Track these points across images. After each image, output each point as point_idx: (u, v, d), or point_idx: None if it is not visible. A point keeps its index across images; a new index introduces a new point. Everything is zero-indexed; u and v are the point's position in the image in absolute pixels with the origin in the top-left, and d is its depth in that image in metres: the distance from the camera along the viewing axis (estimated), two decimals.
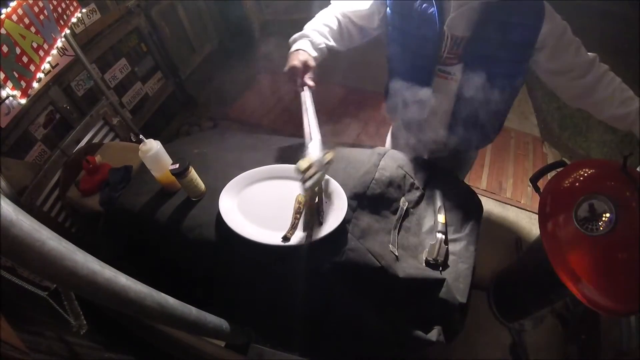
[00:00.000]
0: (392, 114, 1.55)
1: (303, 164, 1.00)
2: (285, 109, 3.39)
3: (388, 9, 1.27)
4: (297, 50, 1.24)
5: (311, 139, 1.09)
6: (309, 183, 0.97)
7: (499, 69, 1.18)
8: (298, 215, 1.04)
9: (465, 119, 1.32)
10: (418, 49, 1.25)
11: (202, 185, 1.15)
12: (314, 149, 1.05)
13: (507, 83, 1.23)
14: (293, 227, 1.01)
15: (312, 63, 1.22)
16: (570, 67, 1.18)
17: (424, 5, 1.17)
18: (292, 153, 1.29)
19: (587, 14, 3.53)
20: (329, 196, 1.09)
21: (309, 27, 1.31)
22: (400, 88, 1.34)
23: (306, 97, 1.19)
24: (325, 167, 1.03)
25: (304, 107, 1.18)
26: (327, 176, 1.12)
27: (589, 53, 1.19)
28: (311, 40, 1.26)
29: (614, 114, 1.19)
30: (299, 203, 1.06)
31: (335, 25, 1.32)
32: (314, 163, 1.01)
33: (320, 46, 1.28)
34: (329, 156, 1.06)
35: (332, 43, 1.31)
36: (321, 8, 1.35)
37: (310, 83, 1.21)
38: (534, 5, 1.12)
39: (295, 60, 1.21)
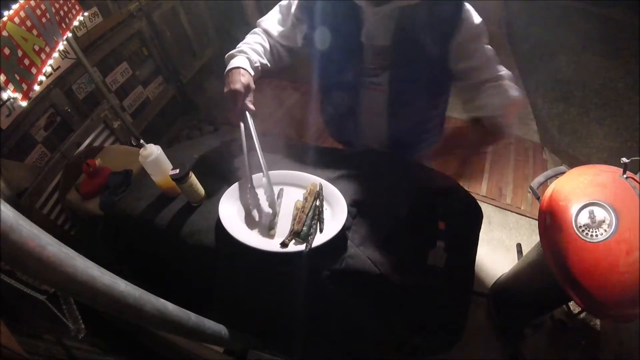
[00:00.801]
0: (330, 131, 1.55)
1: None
2: (286, 114, 3.39)
3: (306, 27, 1.24)
4: (237, 68, 1.16)
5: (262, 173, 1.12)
6: (304, 231, 1.00)
7: (424, 73, 1.16)
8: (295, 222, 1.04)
9: (400, 127, 1.31)
10: (341, 64, 1.22)
11: (202, 190, 1.14)
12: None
13: (436, 86, 1.22)
14: (291, 234, 1.01)
15: (252, 85, 1.17)
16: (469, 74, 1.17)
17: (341, 19, 1.14)
18: (292, 159, 1.29)
19: (588, 19, 3.56)
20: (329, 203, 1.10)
21: (244, 45, 1.26)
22: (332, 106, 1.34)
23: (249, 122, 1.14)
24: (312, 204, 1.06)
25: (243, 135, 1.13)
26: (326, 183, 1.12)
27: (502, 71, 1.16)
28: (249, 57, 1.21)
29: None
30: (297, 210, 1.06)
31: (267, 45, 1.30)
32: (301, 208, 1.04)
33: (256, 65, 1.22)
34: (313, 188, 1.10)
35: (265, 61, 1.27)
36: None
37: (252, 107, 1.15)
38: (452, 7, 1.09)
39: (238, 84, 1.12)
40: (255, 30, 1.33)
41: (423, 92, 1.21)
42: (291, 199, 1.12)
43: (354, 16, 1.12)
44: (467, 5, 1.09)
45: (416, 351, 1.08)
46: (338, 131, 1.51)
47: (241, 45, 1.26)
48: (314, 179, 1.14)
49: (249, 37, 1.30)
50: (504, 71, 1.16)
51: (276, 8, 1.31)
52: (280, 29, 1.29)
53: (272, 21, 1.31)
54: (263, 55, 1.27)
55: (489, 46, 1.16)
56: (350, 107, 1.30)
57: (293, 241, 1.00)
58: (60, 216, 2.08)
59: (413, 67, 1.15)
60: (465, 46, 1.12)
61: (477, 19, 1.11)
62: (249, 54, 1.22)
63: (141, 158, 1.09)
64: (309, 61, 1.32)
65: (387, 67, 1.17)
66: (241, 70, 1.16)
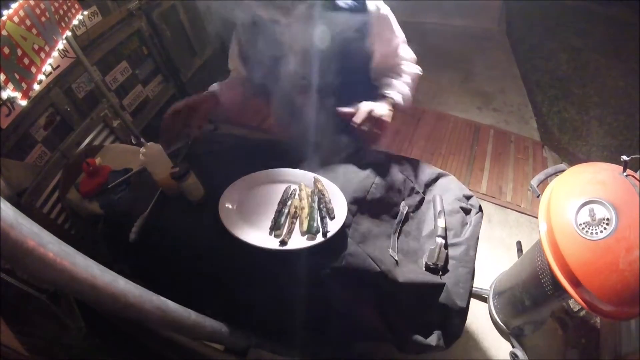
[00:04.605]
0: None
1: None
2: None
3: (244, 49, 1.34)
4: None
5: None
6: (314, 225, 1.00)
7: (341, 66, 1.20)
8: (294, 220, 1.04)
9: (338, 125, 1.33)
10: (280, 76, 1.28)
11: (202, 188, 1.15)
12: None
13: (359, 76, 1.30)
14: (290, 232, 1.01)
15: (204, 112, 1.32)
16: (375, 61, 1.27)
17: (270, 37, 1.20)
18: (292, 157, 1.29)
19: (589, 19, 3.56)
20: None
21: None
22: (281, 112, 1.42)
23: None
24: (311, 197, 1.08)
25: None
26: (326, 180, 1.12)
27: (405, 59, 1.32)
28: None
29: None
30: (295, 207, 1.06)
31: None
32: (299, 205, 1.05)
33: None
34: (319, 186, 1.11)
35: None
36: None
37: (195, 131, 1.30)
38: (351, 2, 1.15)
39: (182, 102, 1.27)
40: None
41: (347, 85, 1.25)
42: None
43: (276, 32, 1.18)
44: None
45: (416, 348, 1.08)
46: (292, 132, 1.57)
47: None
48: (303, 175, 1.16)
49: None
50: (406, 58, 1.33)
51: (232, 41, 1.40)
52: (239, 62, 1.40)
53: (233, 53, 1.41)
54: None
55: (397, 34, 1.28)
56: (301, 112, 1.36)
57: (293, 239, 1.00)
58: (60, 215, 2.08)
59: (328, 63, 1.19)
60: (372, 34, 1.19)
61: (382, 8, 1.19)
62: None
63: (141, 156, 1.09)
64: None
65: (310, 68, 1.23)
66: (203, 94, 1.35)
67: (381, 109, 1.18)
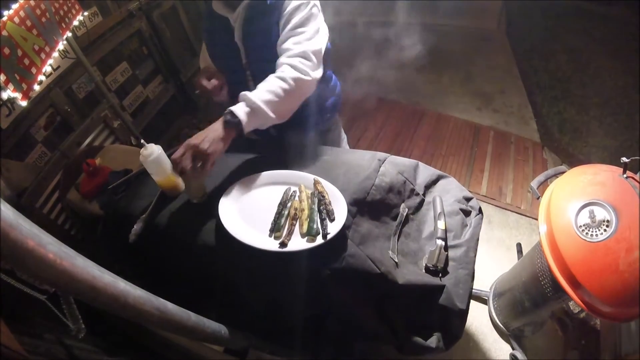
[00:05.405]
0: None
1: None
2: None
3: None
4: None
5: None
6: (313, 227, 1.00)
7: (273, 57, 1.23)
8: (294, 222, 1.04)
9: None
10: (234, 68, 1.34)
11: (204, 189, 1.14)
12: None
13: None
14: (290, 233, 1.01)
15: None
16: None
17: (223, 32, 1.28)
18: (293, 158, 1.29)
19: (588, 18, 3.56)
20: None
21: None
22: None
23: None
24: (310, 199, 1.08)
25: None
26: (326, 182, 1.12)
27: (302, 58, 1.17)
28: None
29: None
30: (295, 209, 1.06)
31: None
32: (299, 207, 1.06)
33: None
34: (319, 187, 1.10)
35: None
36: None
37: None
38: None
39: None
40: None
41: None
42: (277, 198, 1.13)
43: (227, 26, 1.27)
44: None
45: (416, 350, 1.08)
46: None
47: None
48: (303, 176, 1.16)
49: None
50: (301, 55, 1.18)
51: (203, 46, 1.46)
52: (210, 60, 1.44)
53: (203, 56, 1.46)
54: None
55: (306, 31, 1.21)
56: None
57: (293, 240, 1.00)
58: (60, 216, 2.08)
59: (262, 54, 1.26)
60: (283, 27, 1.22)
61: (294, 3, 1.20)
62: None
63: (142, 157, 1.09)
64: None
65: (253, 59, 1.31)
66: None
67: (198, 139, 1.02)
